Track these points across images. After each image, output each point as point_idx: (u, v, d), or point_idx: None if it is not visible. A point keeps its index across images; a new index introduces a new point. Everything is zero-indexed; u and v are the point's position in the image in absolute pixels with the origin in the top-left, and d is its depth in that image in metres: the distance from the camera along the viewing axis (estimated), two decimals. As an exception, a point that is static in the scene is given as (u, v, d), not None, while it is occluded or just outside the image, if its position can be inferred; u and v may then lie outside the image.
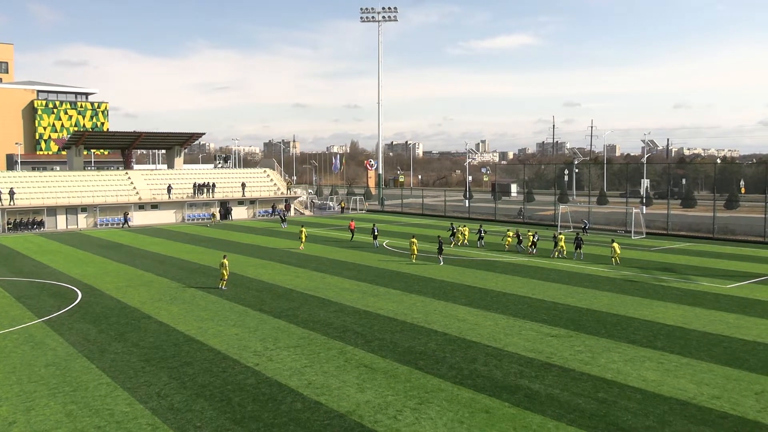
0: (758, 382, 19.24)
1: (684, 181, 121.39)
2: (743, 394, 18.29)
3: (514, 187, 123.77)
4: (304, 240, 50.55)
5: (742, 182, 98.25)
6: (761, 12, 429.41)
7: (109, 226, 70.34)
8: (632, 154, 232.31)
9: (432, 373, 20.06)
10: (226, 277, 33.60)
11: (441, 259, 41.21)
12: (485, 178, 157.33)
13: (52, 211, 68.72)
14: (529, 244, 46.30)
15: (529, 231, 51.11)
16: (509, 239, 48.12)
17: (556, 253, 44.20)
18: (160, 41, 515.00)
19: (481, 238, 50.38)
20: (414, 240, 43.24)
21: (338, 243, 52.98)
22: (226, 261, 34.04)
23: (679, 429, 15.98)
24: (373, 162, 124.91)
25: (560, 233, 47.79)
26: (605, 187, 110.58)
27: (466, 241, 51.42)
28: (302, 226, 54.36)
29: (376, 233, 50.93)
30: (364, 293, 32.30)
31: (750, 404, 17.54)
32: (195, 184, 78.61)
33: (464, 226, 56.77)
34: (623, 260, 42.73)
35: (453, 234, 52.52)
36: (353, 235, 54.86)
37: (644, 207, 76.88)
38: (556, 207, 67.24)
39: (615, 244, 41.72)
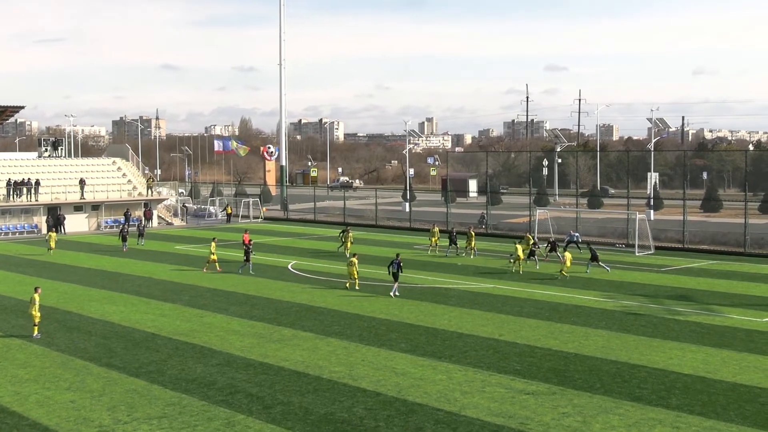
0: (807, 450, 19.96)
1: (705, 174, 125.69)
2: (787, 467, 18.93)
3: (473, 184, 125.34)
4: (216, 259, 50.72)
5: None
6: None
7: None
8: (635, 137, 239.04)
9: (359, 450, 20.03)
10: (36, 321, 32.48)
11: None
12: (432, 172, 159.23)
13: None
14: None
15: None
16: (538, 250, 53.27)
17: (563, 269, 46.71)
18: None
19: (554, 250, 53.39)
20: (354, 260, 43.30)
21: (223, 265, 52.42)
22: (36, 296, 32.76)
23: None
24: (273, 149, 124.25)
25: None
26: (599, 183, 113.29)
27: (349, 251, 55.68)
28: (214, 240, 53.76)
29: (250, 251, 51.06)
30: (262, 338, 32.07)
31: (796, 482, 18.17)
32: (9, 181, 76.60)
33: (349, 231, 59.72)
34: (622, 286, 43.76)
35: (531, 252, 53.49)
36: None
37: (652, 211, 79.11)
38: (531, 212, 68.36)
39: (567, 254, 46.53)
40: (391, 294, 40.91)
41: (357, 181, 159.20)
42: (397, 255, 43.14)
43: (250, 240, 54.15)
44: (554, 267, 48.34)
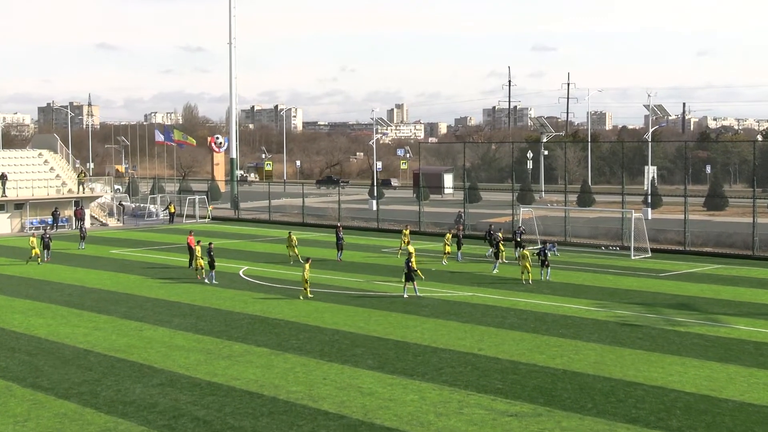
0: (822, 477, 20.17)
1: (709, 168, 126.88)
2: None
3: (449, 179, 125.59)
4: (201, 264, 49.88)
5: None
6: None
7: None
8: (631, 126, 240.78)
9: (321, 480, 20.02)
10: None
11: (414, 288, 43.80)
12: (403, 165, 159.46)
13: None
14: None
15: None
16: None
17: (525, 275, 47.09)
18: None
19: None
20: (307, 266, 43.35)
21: (165, 272, 52.14)
22: None
23: None
24: (222, 140, 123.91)
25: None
26: (590, 178, 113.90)
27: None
28: (199, 243, 52.55)
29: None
30: (209, 354, 31.97)
31: None
32: None
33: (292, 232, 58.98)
34: (616, 293, 44.00)
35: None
36: (193, 257, 54.21)
37: (649, 209, 79.63)
38: (514, 210, 68.51)
39: (526, 252, 47.76)
40: (416, 293, 43.17)
41: (252, 175, 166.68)
42: (409, 254, 45.43)
43: (210, 243, 52.71)
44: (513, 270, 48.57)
